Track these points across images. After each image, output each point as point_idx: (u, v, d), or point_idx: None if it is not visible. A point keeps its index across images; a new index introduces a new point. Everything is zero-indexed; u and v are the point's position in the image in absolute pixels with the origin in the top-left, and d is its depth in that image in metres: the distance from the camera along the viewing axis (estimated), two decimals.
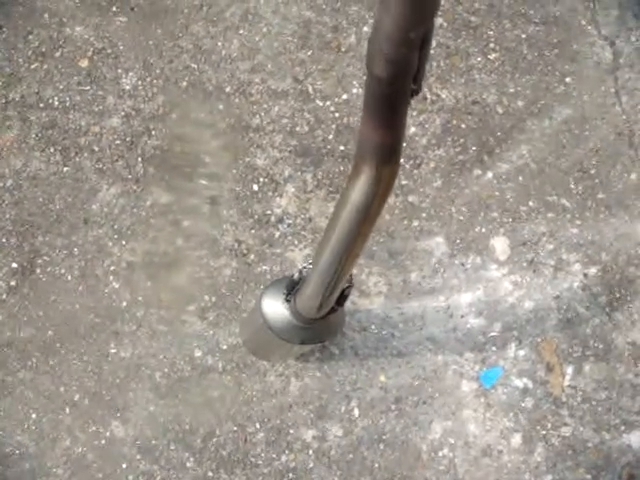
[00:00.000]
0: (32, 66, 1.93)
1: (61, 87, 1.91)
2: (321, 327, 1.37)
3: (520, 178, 1.81)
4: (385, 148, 0.91)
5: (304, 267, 1.29)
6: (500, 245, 1.76)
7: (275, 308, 1.36)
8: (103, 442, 1.66)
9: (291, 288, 1.34)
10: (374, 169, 0.92)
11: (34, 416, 1.68)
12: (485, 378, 1.65)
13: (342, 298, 1.27)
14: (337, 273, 1.13)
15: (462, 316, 1.70)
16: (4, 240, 1.80)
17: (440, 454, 1.61)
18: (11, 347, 1.73)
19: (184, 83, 1.92)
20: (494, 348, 1.67)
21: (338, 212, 1.02)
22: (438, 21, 1.95)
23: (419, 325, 1.70)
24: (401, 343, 1.69)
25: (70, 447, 1.66)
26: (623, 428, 1.60)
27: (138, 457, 1.64)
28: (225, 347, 1.71)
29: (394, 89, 0.83)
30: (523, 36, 1.94)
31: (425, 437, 1.62)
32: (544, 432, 1.61)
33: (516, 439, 1.61)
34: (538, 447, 1.60)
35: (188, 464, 1.63)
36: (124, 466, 1.64)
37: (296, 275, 1.33)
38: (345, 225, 1.01)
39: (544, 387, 1.64)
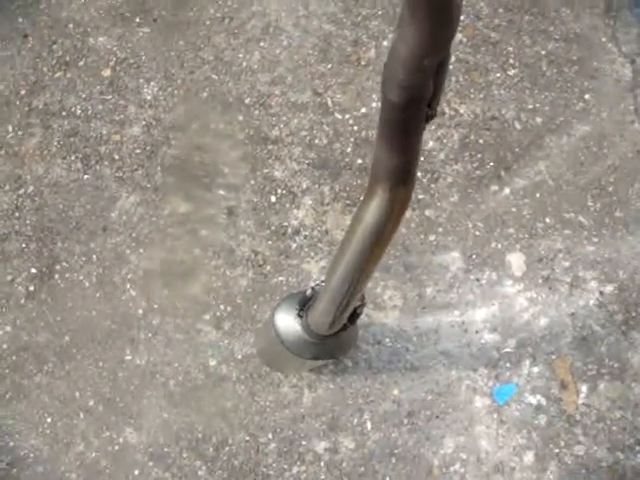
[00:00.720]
0: (56, 75, 1.96)
1: (84, 96, 1.94)
2: (333, 343, 1.38)
3: (537, 194, 1.80)
4: (399, 171, 0.91)
5: (317, 284, 1.30)
6: (516, 261, 1.76)
7: (287, 322, 1.37)
8: (116, 448, 1.67)
9: (304, 304, 1.34)
10: (388, 191, 0.93)
11: (49, 420, 1.70)
12: (498, 394, 1.65)
13: (354, 316, 1.27)
14: (349, 292, 1.13)
15: (477, 331, 1.70)
16: (24, 245, 1.82)
17: (452, 469, 1.60)
18: (28, 351, 1.75)
19: (204, 94, 1.94)
20: (508, 364, 1.67)
21: (351, 232, 1.02)
22: (458, 37, 1.96)
23: (433, 339, 1.70)
24: (415, 357, 1.69)
25: (84, 452, 1.67)
26: (638, 448, 1.59)
27: (150, 464, 1.65)
28: (240, 357, 1.72)
29: (408, 114, 0.84)
30: (543, 52, 1.94)
31: (437, 452, 1.62)
32: (557, 450, 1.60)
33: (529, 457, 1.60)
34: (551, 465, 1.59)
35: (200, 472, 1.64)
36: (136, 473, 1.65)
37: (309, 291, 1.33)
38: (358, 245, 1.02)
39: (558, 405, 1.63)
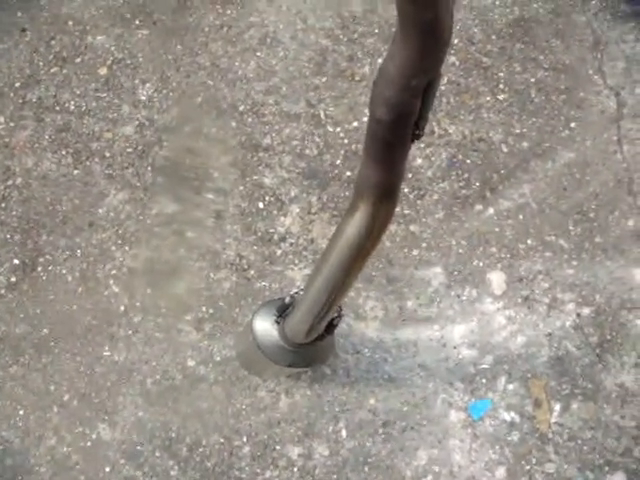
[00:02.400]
0: (52, 70, 1.97)
1: (78, 92, 1.95)
2: (309, 352, 1.38)
3: (520, 216, 1.84)
4: (383, 187, 0.92)
5: (296, 292, 1.30)
6: (496, 280, 1.79)
7: (265, 329, 1.37)
8: (89, 444, 1.65)
9: (282, 311, 1.35)
10: (371, 206, 0.94)
11: (21, 412, 1.68)
12: (473, 409, 1.66)
13: (331, 327, 1.28)
14: (327, 302, 1.13)
15: (455, 347, 1.72)
16: (8, 236, 1.81)
17: None
18: (4, 342, 1.73)
19: (199, 99, 1.96)
20: (484, 380, 1.69)
21: (333, 244, 1.03)
22: (451, 59, 2.01)
23: (412, 352, 1.72)
24: (393, 368, 1.71)
25: (55, 446, 1.65)
26: (607, 469, 1.61)
27: (122, 462, 1.64)
28: (218, 359, 1.72)
29: (394, 133, 0.85)
30: (532, 80, 1.99)
31: (410, 463, 1.63)
32: (528, 467, 1.62)
33: (500, 472, 1.62)
34: None
35: (172, 472, 1.63)
36: (107, 470, 1.64)
37: (287, 299, 1.33)
38: (339, 258, 1.02)
39: (531, 422, 1.65)
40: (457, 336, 1.74)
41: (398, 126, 0.84)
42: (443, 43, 0.76)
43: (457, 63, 2.01)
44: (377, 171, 0.90)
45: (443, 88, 1.97)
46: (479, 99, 1.97)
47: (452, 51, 2.02)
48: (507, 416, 1.66)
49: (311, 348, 1.35)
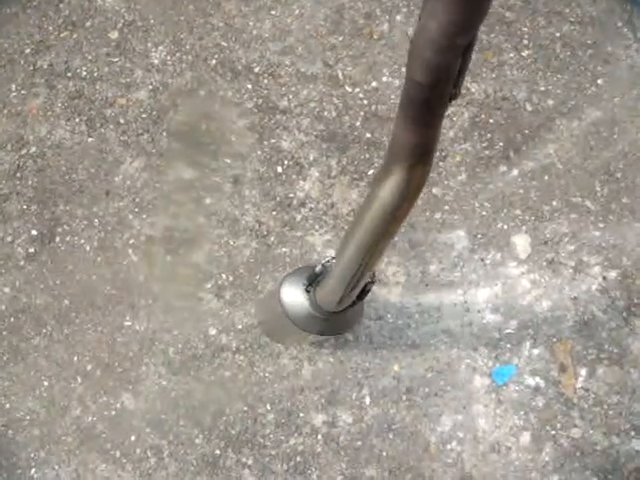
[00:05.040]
0: (62, 35, 1.93)
1: (90, 57, 1.91)
2: (339, 319, 1.37)
3: (545, 177, 1.80)
4: (418, 150, 0.89)
5: (327, 260, 1.28)
6: (521, 243, 1.75)
7: (294, 297, 1.35)
8: (113, 413, 1.66)
9: (312, 280, 1.33)
10: (406, 171, 0.91)
11: (46, 383, 1.69)
12: (498, 374, 1.65)
13: (363, 293, 1.26)
14: (360, 269, 1.11)
15: (479, 311, 1.70)
16: (25, 207, 1.80)
17: (448, 447, 1.61)
18: (26, 314, 1.73)
19: (213, 61, 1.91)
20: (509, 345, 1.67)
21: (365, 210, 1.00)
22: None
23: (435, 317, 1.70)
24: (416, 334, 1.69)
25: (80, 416, 1.66)
26: (633, 433, 1.60)
27: (147, 430, 1.65)
28: (240, 327, 1.71)
29: (434, 95, 0.81)
30: (557, 34, 1.92)
31: (434, 429, 1.62)
32: (553, 432, 1.61)
33: (525, 437, 1.61)
34: (547, 447, 1.60)
35: (197, 441, 1.64)
36: (133, 438, 1.65)
37: (318, 268, 1.32)
38: (372, 223, 1.00)
39: (556, 387, 1.63)
40: (481, 300, 1.71)
41: (438, 88, 0.80)
42: (486, 1, 0.72)
43: None
44: (414, 134, 0.87)
45: None
46: (502, 56, 1.90)
47: None
48: (532, 381, 1.64)
49: (341, 315, 1.34)
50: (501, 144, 1.83)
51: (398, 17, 1.93)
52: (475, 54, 1.91)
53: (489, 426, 1.62)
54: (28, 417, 1.66)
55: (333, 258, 1.20)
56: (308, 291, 1.33)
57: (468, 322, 1.69)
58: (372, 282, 1.25)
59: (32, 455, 1.64)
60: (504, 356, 1.67)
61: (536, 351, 1.67)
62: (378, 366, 1.67)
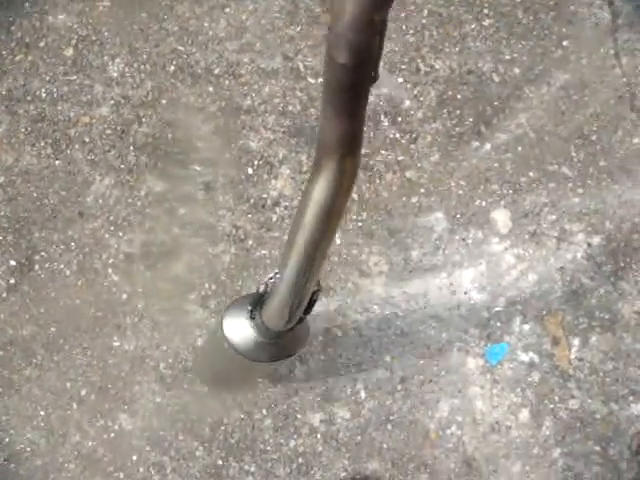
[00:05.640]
0: (16, 58, 1.89)
1: (47, 78, 1.88)
2: (289, 339, 1.28)
3: (519, 148, 1.77)
4: (348, 138, 0.86)
5: (270, 278, 1.21)
6: (501, 218, 1.73)
7: (239, 328, 1.27)
8: (112, 435, 1.66)
9: (257, 303, 1.25)
10: (337, 162, 0.88)
11: (42, 413, 1.69)
12: (491, 354, 1.64)
13: (311, 304, 1.20)
14: (306, 277, 1.06)
15: (465, 292, 1.69)
16: (0, 238, 1.78)
17: (448, 432, 1.60)
18: (15, 345, 1.73)
19: (172, 67, 1.88)
20: (499, 324, 1.66)
21: (301, 213, 0.97)
22: None
23: (422, 303, 1.69)
24: (405, 322, 1.68)
25: (80, 442, 1.66)
26: (631, 398, 1.59)
27: (148, 449, 1.65)
28: None
29: (358, 77, 0.79)
30: (518, 0, 1.88)
31: (433, 416, 1.62)
32: (552, 406, 1.60)
33: (524, 414, 1.60)
34: (546, 421, 1.59)
35: (197, 453, 1.64)
36: (134, 458, 1.65)
37: (262, 288, 1.24)
38: (310, 225, 0.96)
39: (550, 361, 1.62)
40: (466, 281, 1.70)
41: (362, 69, 0.78)
42: None
43: None
44: (341, 122, 0.84)
45: (424, 21, 1.86)
46: (463, 28, 1.86)
47: None
48: (525, 357, 1.63)
49: (290, 335, 1.26)
50: (471, 119, 1.80)
51: None
52: (436, 29, 1.87)
53: (487, 407, 1.61)
54: (29, 448, 1.67)
55: (276, 274, 1.15)
56: (253, 317, 1.25)
57: (456, 305, 1.68)
58: (318, 290, 1.19)
59: None
60: (495, 335, 1.66)
61: (527, 326, 1.65)
62: (370, 359, 1.67)
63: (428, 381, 1.64)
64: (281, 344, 1.28)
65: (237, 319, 1.28)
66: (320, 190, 0.91)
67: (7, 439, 1.67)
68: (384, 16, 0.74)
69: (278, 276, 1.13)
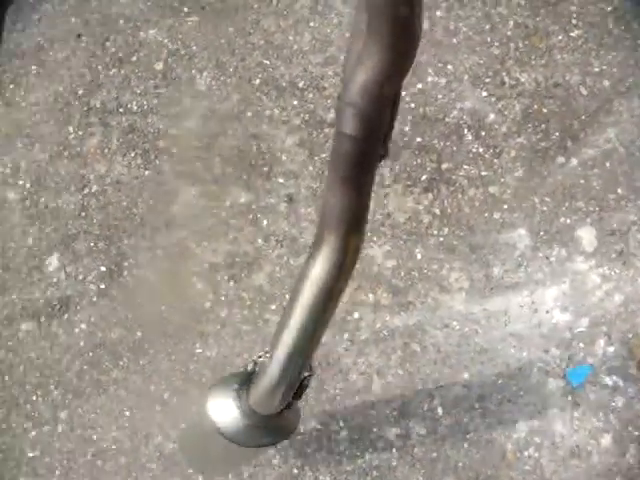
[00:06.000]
0: (110, 72, 1.98)
1: (138, 91, 1.95)
2: (278, 424, 1.20)
3: (607, 164, 1.72)
4: (353, 214, 0.83)
5: (259, 356, 1.15)
6: (587, 236, 1.69)
7: (224, 409, 1.16)
8: None
9: (244, 381, 1.17)
10: (340, 238, 0.84)
11: (127, 413, 1.76)
12: (572, 376, 1.60)
13: (301, 389, 1.12)
14: (299, 360, 1.00)
15: (547, 311, 1.65)
16: (92, 244, 1.86)
17: (526, 454, 1.58)
18: (103, 348, 1.80)
19: (257, 80, 1.92)
20: (582, 345, 1.62)
21: (298, 291, 0.92)
22: (515, 0, 1.87)
23: (503, 321, 1.67)
24: (484, 340, 1.66)
25: (162, 443, 1.72)
26: None
27: None
28: None
29: (366, 149, 0.77)
30: (608, 9, 1.82)
31: (510, 436, 1.60)
32: (637, 433, 1.55)
33: (606, 440, 1.56)
34: (630, 448, 1.54)
35: (274, 461, 1.67)
36: None
37: (250, 366, 1.18)
38: (308, 305, 0.91)
39: (636, 386, 1.57)
40: (549, 300, 1.66)
41: (370, 141, 0.77)
42: (416, 43, 0.70)
43: (522, 3, 1.86)
44: (346, 197, 0.81)
45: (509, 33, 1.84)
46: (550, 39, 1.83)
47: None
48: (609, 380, 1.59)
49: (278, 419, 1.17)
50: (557, 134, 1.76)
51: (438, 13, 1.88)
52: (521, 41, 1.84)
53: (567, 430, 1.58)
54: (114, 446, 1.74)
55: (266, 352, 1.07)
56: (240, 397, 1.15)
57: (537, 323, 1.65)
58: (311, 375, 1.12)
59: None
60: (578, 356, 1.62)
61: (611, 349, 1.61)
62: (448, 375, 1.66)
63: (507, 400, 1.62)
64: (269, 428, 1.18)
65: (223, 398, 1.18)
66: (320, 268, 0.87)
67: (95, 436, 1.75)
68: (396, 88, 0.73)
69: (268, 355, 1.05)
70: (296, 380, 1.06)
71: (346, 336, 1.72)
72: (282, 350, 0.99)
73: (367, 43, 0.69)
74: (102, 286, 1.84)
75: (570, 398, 1.59)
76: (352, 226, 0.84)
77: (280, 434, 1.24)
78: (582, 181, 1.72)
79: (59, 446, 1.73)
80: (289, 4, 1.96)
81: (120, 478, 1.71)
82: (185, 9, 1.99)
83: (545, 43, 1.83)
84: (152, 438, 1.73)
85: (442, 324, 1.68)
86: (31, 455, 1.73)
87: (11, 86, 2.01)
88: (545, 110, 1.78)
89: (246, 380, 1.15)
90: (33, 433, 1.75)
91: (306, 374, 1.10)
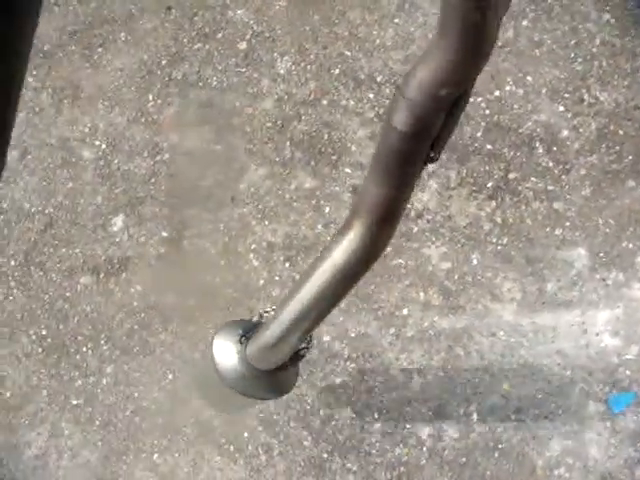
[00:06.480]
0: (195, 46, 2.03)
1: (220, 68, 2.00)
2: (269, 381, 1.20)
3: None
4: (385, 206, 0.82)
5: (266, 311, 1.17)
6: None
7: (226, 351, 1.19)
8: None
9: (248, 330, 1.18)
10: (366, 228, 0.83)
11: (170, 377, 1.81)
12: (614, 402, 1.59)
13: (296, 357, 1.14)
14: (298, 328, 1.00)
15: (597, 334, 1.64)
16: (157, 210, 1.92)
17: (556, 473, 1.57)
18: (155, 310, 1.86)
19: (337, 70, 1.95)
20: (628, 372, 1.60)
21: (316, 265, 0.91)
22: (605, 17, 1.85)
23: (550, 337, 1.66)
24: (529, 353, 1.66)
25: (199, 410, 1.77)
26: None
27: (260, 429, 1.73)
28: (353, 335, 1.75)
29: (410, 145, 0.76)
30: None
31: (542, 453, 1.59)
32: None
33: None
34: None
35: (305, 442, 1.70)
36: (245, 435, 1.73)
37: (256, 317, 1.20)
38: (321, 281, 0.91)
39: None
40: (600, 323, 1.65)
41: (416, 138, 0.75)
42: (485, 53, 0.68)
43: (612, 21, 1.84)
44: (382, 187, 0.80)
45: (595, 50, 1.82)
46: (636, 61, 1.80)
47: (607, 7, 1.85)
48: None
49: (271, 377, 1.18)
50: (630, 157, 1.74)
51: (524, 22, 1.87)
52: (606, 60, 1.82)
53: (601, 455, 1.56)
54: (153, 406, 1.79)
55: (273, 310, 1.08)
56: (241, 342, 1.18)
57: (585, 344, 1.64)
58: (307, 347, 1.13)
59: (155, 442, 1.76)
60: (622, 383, 1.60)
61: None
62: (487, 383, 1.66)
63: (544, 417, 1.61)
64: (261, 381, 1.19)
65: (227, 340, 1.20)
66: (341, 251, 0.87)
67: (136, 394, 1.81)
68: (458, 92, 0.71)
69: (273, 313, 1.06)
70: (293, 346, 1.07)
71: (392, 331, 1.74)
72: (287, 314, 1.00)
73: (435, 41, 0.68)
74: (162, 251, 1.90)
75: (609, 424, 1.58)
76: (382, 218, 0.83)
77: (270, 392, 1.24)
78: None
79: (102, 398, 1.80)
80: None
81: (155, 437, 1.77)
82: None
83: (630, 64, 1.80)
84: (190, 403, 1.78)
85: (489, 332, 1.69)
86: (75, 403, 1.80)
87: (99, 50, 2.08)
88: (621, 132, 1.76)
89: (250, 329, 1.17)
90: (79, 382, 1.82)
91: (304, 345, 1.11)
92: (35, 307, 1.88)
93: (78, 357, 1.84)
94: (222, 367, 1.18)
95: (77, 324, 1.86)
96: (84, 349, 1.84)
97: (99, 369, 1.82)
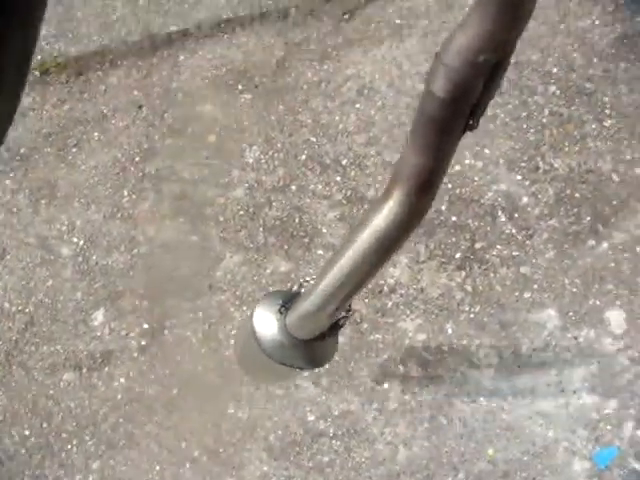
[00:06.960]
0: (166, 142, 2.11)
1: (191, 161, 2.08)
2: (308, 351, 1.20)
3: (637, 248, 1.76)
4: (423, 174, 0.82)
5: (305, 280, 1.17)
6: (616, 318, 1.72)
7: (265, 320, 1.20)
8: None
9: (289, 300, 1.18)
10: (405, 196, 0.84)
11: (158, 468, 1.80)
12: (599, 457, 1.61)
13: (335, 327, 1.14)
14: (337, 298, 1.01)
15: (574, 392, 1.67)
16: (137, 302, 1.96)
17: None
18: (140, 402, 1.87)
19: (303, 156, 2.03)
20: (609, 427, 1.63)
21: (355, 234, 0.92)
22: (551, 89, 1.96)
23: (529, 399, 1.69)
24: (511, 416, 1.68)
25: None
26: None
27: None
28: (336, 413, 1.76)
29: (448, 112, 0.76)
30: None
31: None
32: None
33: None
34: None
35: None
36: None
37: (295, 287, 1.20)
38: (361, 250, 0.92)
39: None
40: (576, 380, 1.68)
41: (454, 105, 0.75)
42: (523, 18, 0.69)
43: (558, 92, 1.96)
44: (420, 156, 0.81)
45: (544, 121, 1.92)
46: (584, 128, 1.91)
47: (552, 80, 1.97)
48: (637, 465, 1.59)
49: (310, 347, 1.18)
50: (589, 218, 1.82)
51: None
52: (556, 128, 1.92)
53: None
54: None
55: (313, 279, 1.09)
56: (281, 312, 1.18)
57: (564, 403, 1.67)
58: (347, 317, 1.13)
59: None
60: (605, 438, 1.63)
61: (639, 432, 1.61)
62: (473, 450, 1.67)
63: (531, 479, 1.62)
64: (300, 351, 1.19)
65: (268, 310, 1.20)
66: (381, 219, 0.87)
67: None
68: (495, 60, 0.72)
69: (313, 283, 1.07)
70: (332, 315, 1.07)
71: (375, 405, 1.76)
72: (327, 282, 0.99)
73: (473, 11, 0.69)
74: (143, 343, 1.92)
75: None
76: (421, 186, 0.84)
77: (309, 362, 1.23)
78: (612, 264, 1.76)
79: None
80: (337, 87, 2.09)
81: None
82: (239, 87, 2.13)
83: (579, 131, 1.91)
84: None
85: (469, 399, 1.71)
86: None
87: (74, 150, 2.16)
88: (577, 195, 1.84)
89: (290, 299, 1.17)
90: None
91: (343, 314, 1.10)
92: (18, 407, 1.88)
93: (63, 455, 1.83)
94: (261, 336, 1.18)
95: (61, 421, 1.86)
96: (69, 446, 1.83)
97: (85, 465, 1.81)
